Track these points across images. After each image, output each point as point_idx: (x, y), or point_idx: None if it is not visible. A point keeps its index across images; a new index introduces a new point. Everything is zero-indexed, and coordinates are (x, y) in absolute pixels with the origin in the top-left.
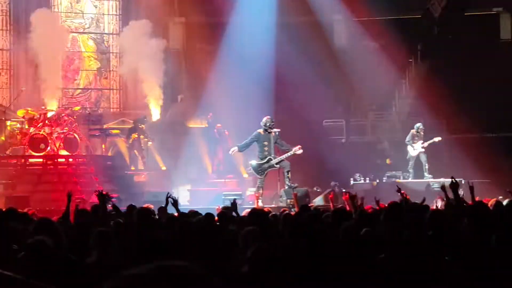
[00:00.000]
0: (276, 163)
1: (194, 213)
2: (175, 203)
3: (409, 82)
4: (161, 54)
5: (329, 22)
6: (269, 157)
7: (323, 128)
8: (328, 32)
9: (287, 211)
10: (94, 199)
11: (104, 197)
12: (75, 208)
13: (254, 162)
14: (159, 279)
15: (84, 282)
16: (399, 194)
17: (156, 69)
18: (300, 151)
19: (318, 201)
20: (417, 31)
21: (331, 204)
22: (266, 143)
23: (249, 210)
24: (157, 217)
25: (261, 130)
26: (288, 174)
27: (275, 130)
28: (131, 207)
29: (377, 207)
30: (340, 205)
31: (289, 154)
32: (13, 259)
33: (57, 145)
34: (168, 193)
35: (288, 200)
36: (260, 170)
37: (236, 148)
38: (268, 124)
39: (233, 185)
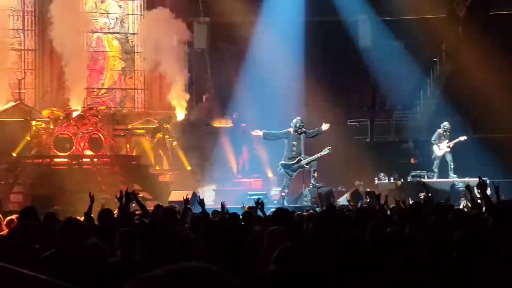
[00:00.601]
0: (306, 164)
1: (218, 213)
2: (202, 202)
3: (434, 81)
4: (184, 50)
5: (354, 22)
6: (298, 157)
7: (348, 128)
8: (353, 32)
9: (311, 211)
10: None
11: (128, 196)
12: (100, 208)
13: (283, 162)
14: (178, 280)
15: (108, 281)
16: (421, 187)
17: (179, 67)
18: (327, 152)
19: (342, 200)
20: (441, 31)
21: (351, 204)
22: (295, 143)
23: (274, 209)
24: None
25: (291, 129)
26: (314, 173)
27: (304, 130)
28: (157, 207)
29: (403, 207)
30: (364, 205)
31: (319, 155)
32: (35, 258)
33: (82, 145)
34: (194, 193)
35: (313, 200)
36: (290, 170)
37: (261, 133)
38: (298, 125)
39: (258, 184)
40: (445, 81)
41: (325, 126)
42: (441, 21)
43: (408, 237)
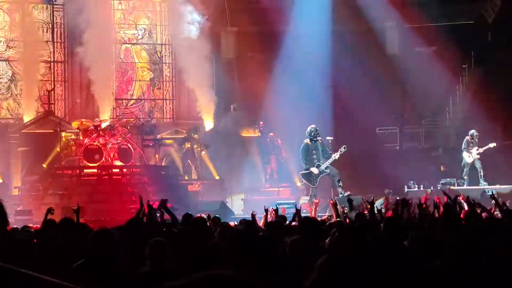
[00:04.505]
0: (326, 168)
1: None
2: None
3: (463, 88)
4: (211, 60)
5: (382, 29)
6: (317, 163)
7: (377, 136)
8: (381, 39)
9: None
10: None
11: (161, 205)
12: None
13: (302, 172)
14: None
15: None
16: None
17: (207, 77)
18: (343, 150)
19: (378, 204)
20: (470, 37)
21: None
22: (314, 151)
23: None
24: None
25: (307, 140)
26: (339, 182)
27: (321, 139)
28: (187, 216)
29: (437, 215)
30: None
31: (336, 156)
32: (67, 268)
33: (111, 155)
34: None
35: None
36: (312, 179)
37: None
38: (313, 133)
39: (287, 193)
40: (475, 88)
41: (336, 155)
42: (470, 27)
43: (441, 244)
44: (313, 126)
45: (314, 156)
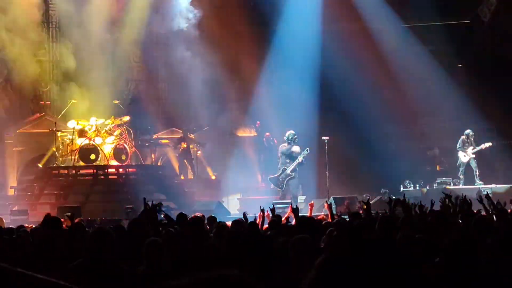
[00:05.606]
0: (291, 171)
1: (240, 222)
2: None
3: (459, 87)
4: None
5: (378, 28)
6: (283, 167)
7: (372, 135)
8: (377, 39)
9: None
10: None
11: (154, 208)
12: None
13: (271, 176)
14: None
15: None
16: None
17: (203, 76)
18: (306, 153)
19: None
20: (466, 36)
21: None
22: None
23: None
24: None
25: (285, 144)
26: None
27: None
28: (182, 216)
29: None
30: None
31: (298, 161)
32: (62, 267)
33: (107, 155)
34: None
35: (337, 208)
36: (279, 183)
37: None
38: (290, 137)
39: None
40: (470, 87)
41: (299, 158)
42: (465, 27)
43: (432, 244)
44: (292, 131)
45: (288, 160)
